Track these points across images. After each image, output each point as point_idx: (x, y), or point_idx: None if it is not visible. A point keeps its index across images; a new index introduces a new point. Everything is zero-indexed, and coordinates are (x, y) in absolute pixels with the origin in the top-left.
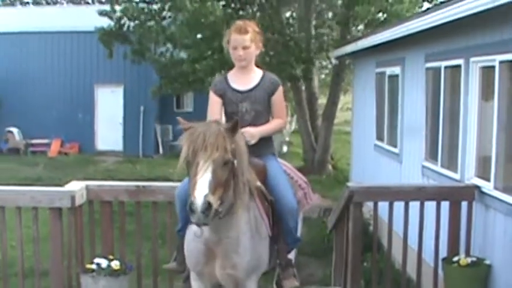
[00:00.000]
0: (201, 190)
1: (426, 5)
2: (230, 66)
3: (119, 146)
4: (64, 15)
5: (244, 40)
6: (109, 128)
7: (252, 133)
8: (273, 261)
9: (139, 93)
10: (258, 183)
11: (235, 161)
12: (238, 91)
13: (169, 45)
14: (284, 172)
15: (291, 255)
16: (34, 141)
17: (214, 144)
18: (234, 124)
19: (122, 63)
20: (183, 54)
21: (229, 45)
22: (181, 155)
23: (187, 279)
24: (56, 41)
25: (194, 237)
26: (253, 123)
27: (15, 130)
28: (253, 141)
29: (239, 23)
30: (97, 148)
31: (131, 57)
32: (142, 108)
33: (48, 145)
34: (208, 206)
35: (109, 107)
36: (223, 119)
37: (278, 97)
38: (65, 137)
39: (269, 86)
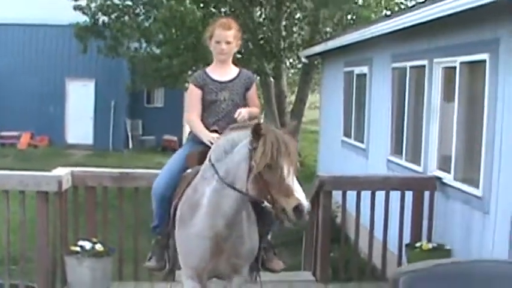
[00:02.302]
0: (302, 193)
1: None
2: (204, 62)
3: (89, 139)
4: (36, 8)
5: (228, 36)
6: (79, 121)
7: (250, 111)
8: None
9: (110, 87)
10: None
11: None
12: (218, 81)
13: (143, 41)
14: None
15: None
16: (4, 133)
17: (294, 151)
18: (294, 129)
19: (94, 57)
20: (156, 50)
21: (212, 39)
22: (262, 159)
23: (168, 275)
24: (28, 34)
25: (198, 235)
26: (229, 113)
27: None
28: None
29: (223, 19)
30: (67, 141)
31: (105, 52)
32: (113, 102)
33: (18, 137)
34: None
35: (80, 101)
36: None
37: (253, 92)
38: (35, 130)
39: (246, 80)
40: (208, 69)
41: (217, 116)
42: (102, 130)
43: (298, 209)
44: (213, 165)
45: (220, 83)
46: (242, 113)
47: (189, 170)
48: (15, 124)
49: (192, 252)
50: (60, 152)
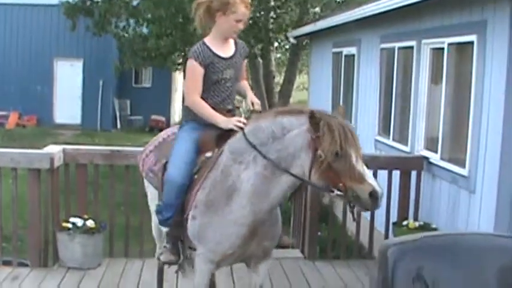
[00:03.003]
0: (373, 178)
1: None
2: (192, 43)
3: (77, 119)
4: None
5: (247, 15)
6: (67, 101)
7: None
8: None
9: (98, 67)
10: None
11: None
12: (223, 58)
13: (131, 20)
14: None
15: None
16: None
17: (358, 139)
18: (344, 113)
19: (82, 37)
20: (145, 30)
21: (230, 16)
22: (331, 147)
23: (182, 266)
24: (16, 13)
25: (236, 222)
26: (233, 92)
27: None
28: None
29: None
30: (55, 121)
31: (93, 30)
32: (101, 82)
33: (5, 117)
34: None
35: (68, 81)
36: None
37: (245, 61)
38: (23, 110)
39: (243, 53)
40: (210, 44)
41: (220, 96)
42: (90, 110)
43: (373, 195)
44: (256, 149)
45: (225, 59)
46: (256, 104)
47: (208, 154)
48: (2, 104)
49: (225, 239)
50: (49, 131)
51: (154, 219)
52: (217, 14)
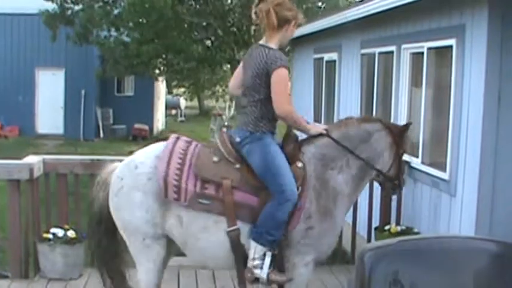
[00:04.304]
0: None
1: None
2: (173, 50)
3: (59, 129)
4: None
5: None
6: (49, 111)
7: None
8: None
9: (80, 76)
10: None
11: None
12: None
13: (112, 29)
14: None
15: None
16: None
17: None
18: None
19: (64, 46)
20: (126, 38)
21: (295, 25)
22: (407, 147)
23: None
24: None
25: (341, 222)
26: None
27: None
28: None
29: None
30: (37, 131)
31: (74, 40)
32: (83, 91)
33: None
34: None
35: (50, 90)
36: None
37: None
38: (5, 120)
39: None
40: None
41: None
42: (72, 119)
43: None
44: (351, 151)
45: None
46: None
47: (299, 164)
48: None
49: (334, 240)
50: (31, 142)
51: (149, 278)
52: (287, 24)
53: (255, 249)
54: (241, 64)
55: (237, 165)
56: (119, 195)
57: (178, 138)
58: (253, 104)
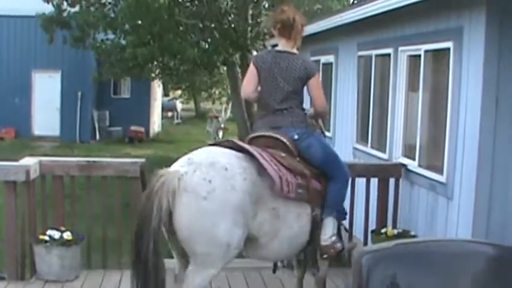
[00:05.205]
0: None
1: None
2: (170, 52)
3: (55, 131)
4: None
5: None
6: (46, 113)
7: None
8: None
9: (76, 78)
10: None
11: None
12: None
13: (109, 31)
14: None
15: None
16: None
17: None
18: None
19: (60, 48)
20: (123, 41)
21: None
22: None
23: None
24: None
25: None
26: None
27: None
28: None
29: None
30: (34, 133)
31: (71, 43)
32: (79, 93)
33: None
34: None
35: (46, 92)
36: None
37: None
38: (1, 122)
39: None
40: None
41: None
42: (68, 121)
43: None
44: None
45: None
46: None
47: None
48: None
49: None
50: (27, 144)
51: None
52: (303, 28)
53: (332, 226)
54: (253, 69)
55: (298, 158)
56: (209, 199)
57: (232, 140)
58: (298, 105)
